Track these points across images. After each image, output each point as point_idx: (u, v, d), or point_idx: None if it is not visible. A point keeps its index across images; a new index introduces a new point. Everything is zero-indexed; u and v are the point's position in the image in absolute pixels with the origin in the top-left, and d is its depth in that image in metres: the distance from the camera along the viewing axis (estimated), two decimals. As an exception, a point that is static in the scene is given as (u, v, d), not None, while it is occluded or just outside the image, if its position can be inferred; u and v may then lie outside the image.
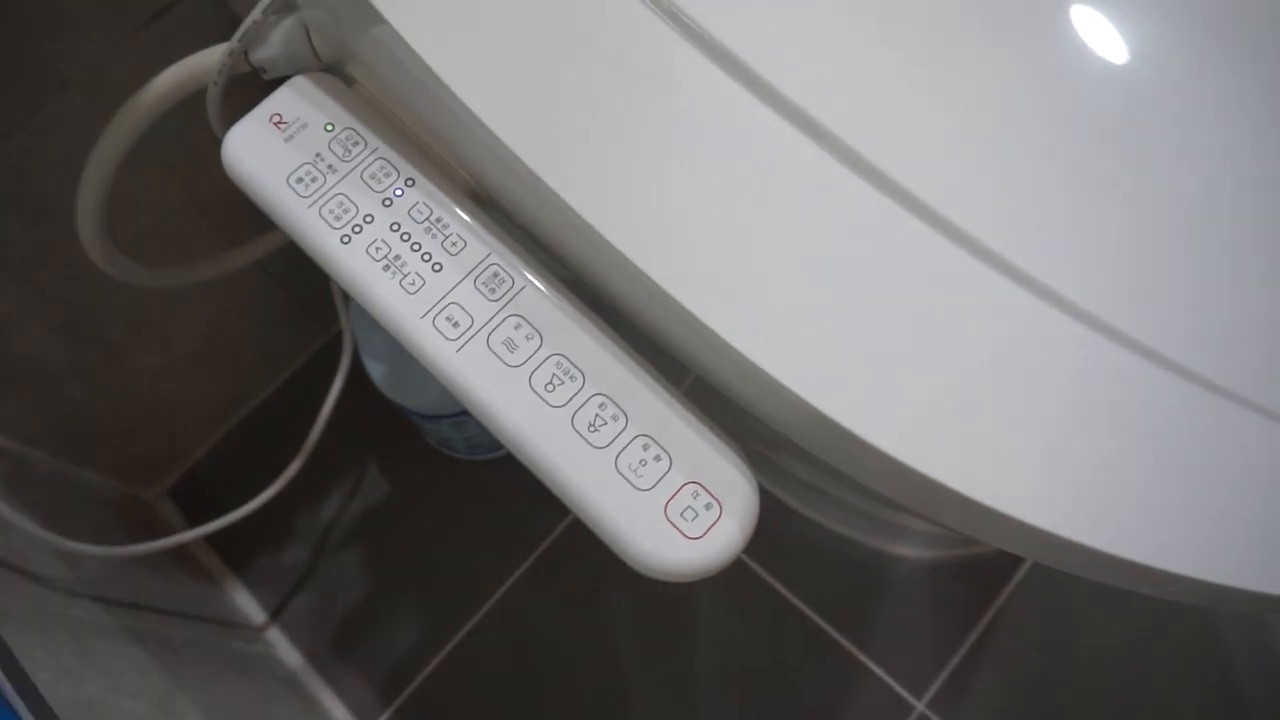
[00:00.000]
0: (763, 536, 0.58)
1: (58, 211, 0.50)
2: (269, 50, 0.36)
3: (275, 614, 0.68)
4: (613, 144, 0.29)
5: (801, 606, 0.64)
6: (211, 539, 0.69)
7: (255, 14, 0.35)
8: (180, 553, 0.68)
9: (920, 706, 0.62)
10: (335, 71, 0.36)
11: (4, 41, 0.45)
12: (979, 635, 0.63)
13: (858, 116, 0.29)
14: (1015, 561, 0.64)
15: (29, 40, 0.46)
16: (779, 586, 0.65)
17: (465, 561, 0.69)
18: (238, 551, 0.70)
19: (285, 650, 0.67)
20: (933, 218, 0.27)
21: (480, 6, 0.30)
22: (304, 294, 0.70)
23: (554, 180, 0.28)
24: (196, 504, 0.72)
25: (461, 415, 0.63)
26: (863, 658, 0.63)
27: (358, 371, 0.61)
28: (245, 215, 0.57)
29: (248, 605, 0.68)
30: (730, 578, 0.64)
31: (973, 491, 0.25)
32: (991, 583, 0.64)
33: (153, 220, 0.57)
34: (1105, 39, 0.30)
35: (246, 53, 0.36)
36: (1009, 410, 0.26)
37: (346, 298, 0.61)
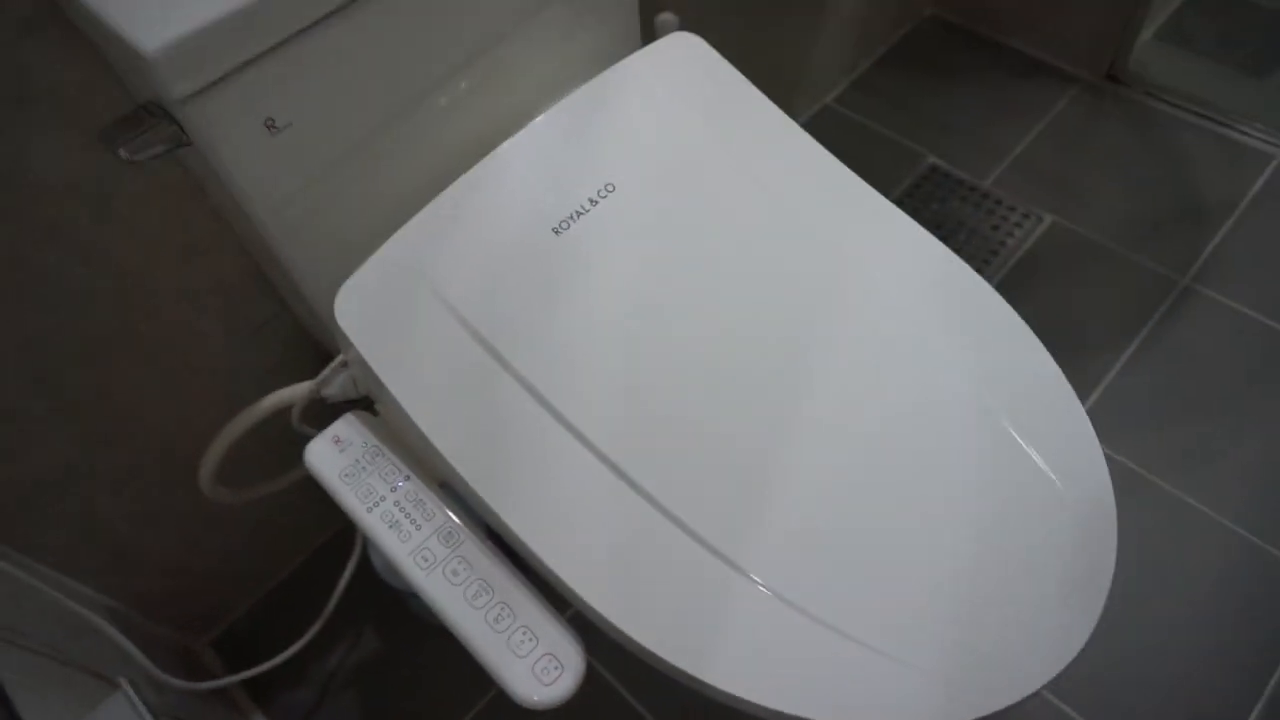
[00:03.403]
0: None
1: (178, 457, 0.77)
2: (332, 389, 0.63)
3: (287, 742, 0.90)
4: (505, 474, 0.55)
5: (679, 745, 0.86)
6: (243, 681, 0.92)
7: (325, 373, 0.62)
8: (220, 691, 0.90)
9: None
10: (369, 406, 0.63)
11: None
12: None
13: (648, 467, 0.55)
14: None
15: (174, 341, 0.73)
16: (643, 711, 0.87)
17: (436, 703, 0.91)
18: (262, 691, 0.92)
19: (293, 771, 0.88)
20: (683, 526, 0.53)
21: (439, 391, 0.57)
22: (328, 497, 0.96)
23: (478, 486, 0.54)
24: (233, 652, 0.95)
25: (435, 592, 0.87)
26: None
27: (363, 558, 0.86)
28: (293, 451, 0.83)
29: (266, 734, 0.90)
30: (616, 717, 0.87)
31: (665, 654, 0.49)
32: None
33: (233, 453, 0.83)
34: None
35: (320, 390, 0.63)
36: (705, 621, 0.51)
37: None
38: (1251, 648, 0.88)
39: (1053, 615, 0.51)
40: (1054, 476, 0.55)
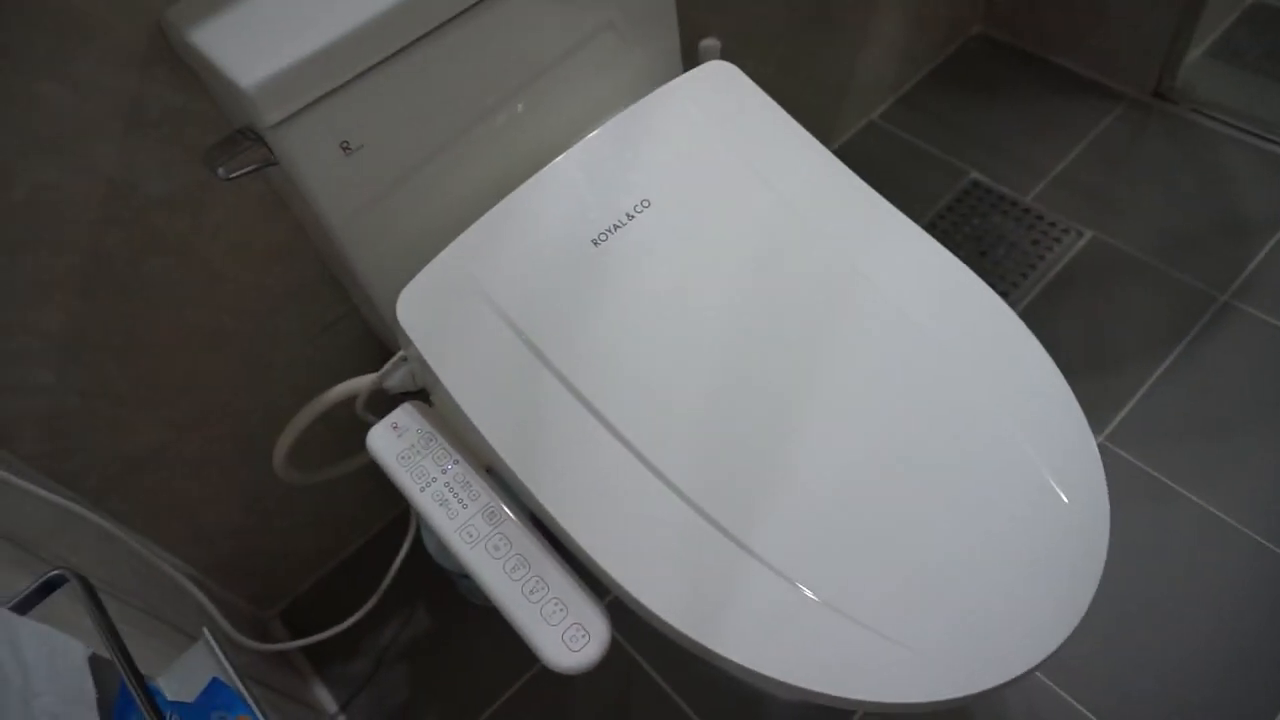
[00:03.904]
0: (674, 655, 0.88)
1: (255, 440, 0.85)
2: (393, 381, 0.70)
3: (344, 707, 0.97)
4: (543, 461, 0.61)
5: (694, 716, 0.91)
6: (305, 649, 1.00)
7: (387, 367, 0.69)
8: (284, 656, 0.99)
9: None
10: (424, 397, 0.70)
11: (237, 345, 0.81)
12: (828, 756, 0.89)
13: (672, 457, 0.61)
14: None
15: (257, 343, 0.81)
16: (677, 698, 0.92)
17: (478, 679, 0.98)
18: (323, 660, 1.00)
19: (348, 734, 0.96)
20: (692, 504, 0.59)
21: (487, 385, 0.63)
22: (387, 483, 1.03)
23: (519, 470, 0.61)
24: (298, 624, 1.03)
25: (483, 574, 0.94)
26: (743, 766, 0.89)
27: (417, 540, 0.93)
28: (358, 438, 0.91)
29: (325, 698, 0.98)
30: (646, 695, 0.92)
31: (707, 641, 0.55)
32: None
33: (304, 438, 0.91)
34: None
35: (382, 382, 0.70)
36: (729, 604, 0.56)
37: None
38: (1269, 658, 0.89)
39: (1042, 610, 0.55)
40: (1060, 492, 0.58)
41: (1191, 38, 1.29)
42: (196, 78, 0.63)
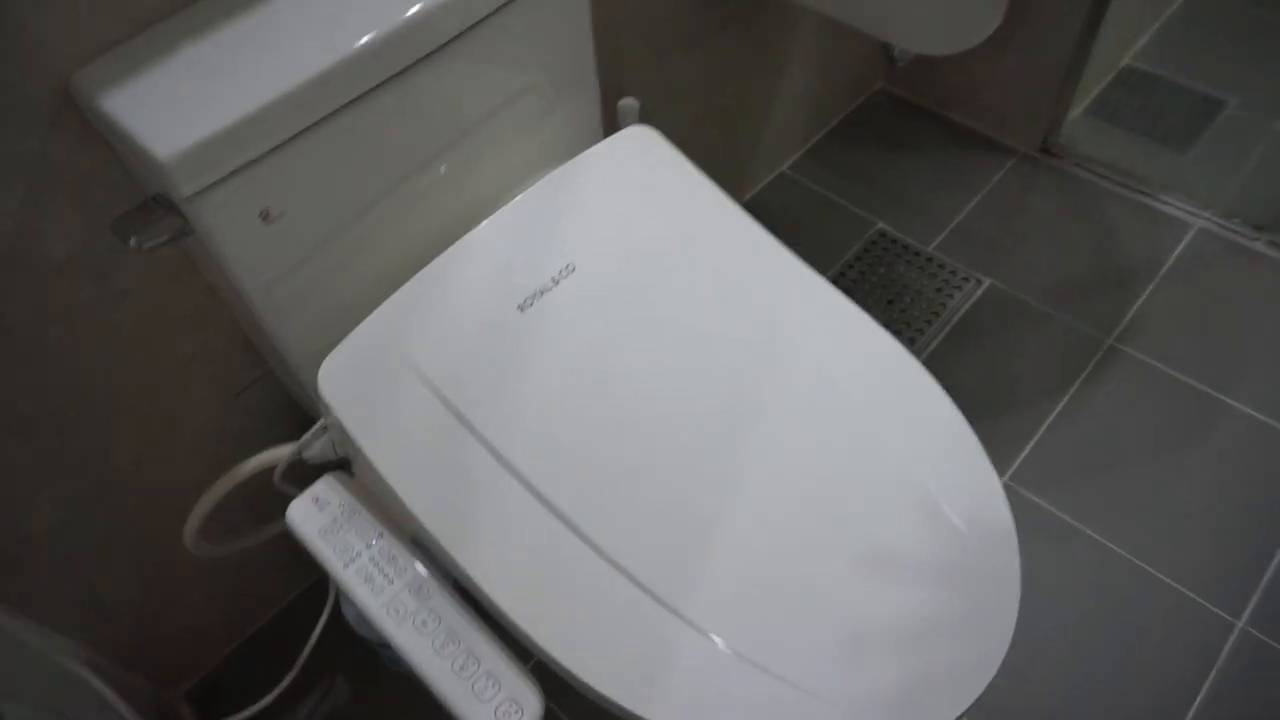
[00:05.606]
0: None
1: (163, 513, 0.81)
2: (312, 452, 0.68)
3: (257, 788, 0.93)
4: (471, 531, 0.60)
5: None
6: (215, 728, 0.95)
7: (307, 436, 0.67)
8: (192, 739, 0.93)
9: None
10: (345, 466, 0.68)
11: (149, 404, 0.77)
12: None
13: (602, 524, 0.61)
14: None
15: (163, 406, 0.78)
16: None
17: (400, 749, 0.95)
18: (233, 739, 0.95)
19: (262, 816, 0.91)
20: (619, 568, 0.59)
21: (412, 455, 0.62)
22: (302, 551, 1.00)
23: (446, 542, 0.59)
24: (207, 704, 0.98)
25: (405, 640, 0.91)
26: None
27: (335, 610, 0.90)
28: (272, 506, 0.88)
29: (237, 781, 0.93)
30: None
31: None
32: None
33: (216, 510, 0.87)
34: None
35: (301, 452, 0.68)
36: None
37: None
38: (1166, 685, 0.94)
39: (963, 660, 0.57)
40: (968, 534, 0.61)
41: (1073, 98, 1.39)
42: (105, 142, 0.60)
